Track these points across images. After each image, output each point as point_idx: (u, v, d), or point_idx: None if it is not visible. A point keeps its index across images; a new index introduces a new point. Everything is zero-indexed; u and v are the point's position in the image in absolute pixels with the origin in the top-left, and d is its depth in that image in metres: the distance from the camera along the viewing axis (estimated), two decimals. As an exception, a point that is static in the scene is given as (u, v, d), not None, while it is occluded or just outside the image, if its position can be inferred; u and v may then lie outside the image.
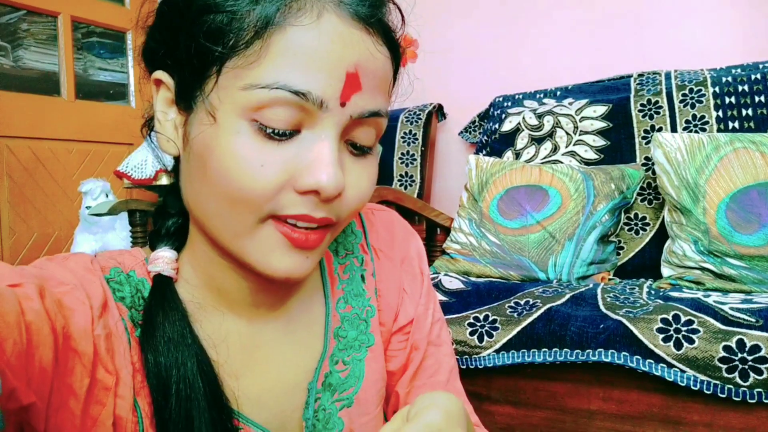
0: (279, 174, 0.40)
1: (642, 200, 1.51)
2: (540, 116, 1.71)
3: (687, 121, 1.53)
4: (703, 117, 1.51)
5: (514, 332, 1.03)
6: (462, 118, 2.08)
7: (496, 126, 1.80)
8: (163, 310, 0.45)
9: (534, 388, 1.04)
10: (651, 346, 0.92)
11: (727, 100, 1.50)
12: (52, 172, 2.18)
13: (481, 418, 0.62)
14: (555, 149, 1.66)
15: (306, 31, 0.38)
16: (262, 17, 0.38)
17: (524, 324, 1.04)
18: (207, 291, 0.49)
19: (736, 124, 1.47)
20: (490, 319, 1.08)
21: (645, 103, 1.60)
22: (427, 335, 0.58)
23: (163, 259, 0.47)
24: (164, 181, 1.90)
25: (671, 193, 1.34)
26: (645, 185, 1.51)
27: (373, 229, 0.59)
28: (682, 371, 0.90)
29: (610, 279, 1.41)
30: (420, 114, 2.02)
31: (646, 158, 1.54)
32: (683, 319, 0.94)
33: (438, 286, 1.27)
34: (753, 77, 1.49)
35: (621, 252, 1.49)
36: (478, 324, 1.08)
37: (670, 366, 0.91)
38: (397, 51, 0.45)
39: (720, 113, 1.49)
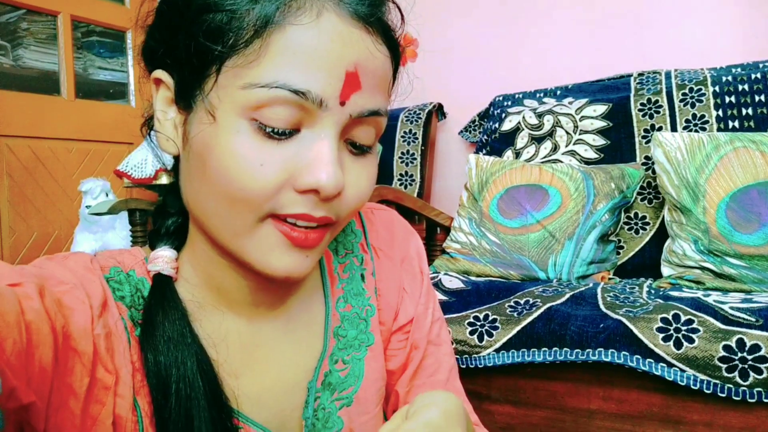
0: (278, 173, 0.40)
1: (642, 199, 1.51)
2: (540, 115, 1.71)
3: (687, 121, 1.53)
4: (703, 116, 1.51)
5: (514, 332, 1.03)
6: (462, 117, 2.08)
7: (496, 125, 1.80)
8: (162, 309, 0.45)
9: (534, 387, 1.04)
10: (651, 346, 0.92)
11: (727, 99, 1.50)
12: (52, 172, 2.18)
13: (481, 418, 0.62)
14: (555, 148, 1.66)
15: (305, 30, 0.38)
16: (261, 16, 0.38)
17: (524, 323, 1.04)
18: (207, 290, 0.49)
19: (736, 124, 1.47)
20: (490, 318, 1.08)
21: (645, 102, 1.60)
22: (426, 334, 0.59)
23: (162, 258, 0.47)
24: (164, 180, 1.90)
25: (671, 192, 1.34)
26: (645, 184, 1.51)
27: (372, 228, 0.59)
28: (682, 371, 0.90)
29: (610, 278, 1.41)
30: (420, 113, 2.02)
31: (646, 157, 1.54)
32: (683, 318, 0.94)
33: (438, 285, 1.27)
34: (753, 76, 1.49)
35: (621, 251, 1.49)
36: (478, 323, 1.08)
37: (670, 365, 0.91)
38: (396, 50, 0.45)
39: (720, 112, 1.49)
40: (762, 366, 0.85)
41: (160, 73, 0.44)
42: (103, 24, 2.35)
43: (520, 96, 1.87)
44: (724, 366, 0.87)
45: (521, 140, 1.72)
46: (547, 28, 1.97)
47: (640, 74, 1.70)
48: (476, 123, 2.01)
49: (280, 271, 0.43)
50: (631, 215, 1.51)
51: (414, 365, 0.58)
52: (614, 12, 1.87)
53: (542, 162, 1.64)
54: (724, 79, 1.53)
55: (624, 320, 0.97)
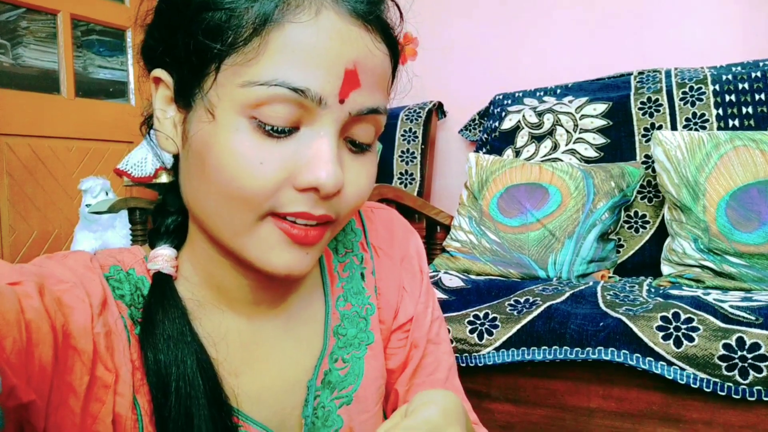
0: (278, 171, 0.40)
1: (642, 198, 1.51)
2: (540, 114, 1.71)
3: (687, 119, 1.53)
4: (703, 115, 1.51)
5: (514, 330, 1.04)
6: (462, 116, 2.08)
7: (496, 124, 1.80)
8: (162, 307, 0.45)
9: (534, 386, 1.04)
10: (651, 344, 0.92)
11: (727, 98, 1.50)
12: (52, 170, 2.18)
13: (481, 416, 0.63)
14: (555, 147, 1.65)
15: (304, 28, 0.38)
16: (260, 14, 0.38)
17: (524, 322, 1.04)
18: (206, 289, 0.49)
19: (736, 122, 1.47)
20: (490, 317, 1.08)
21: (645, 101, 1.60)
22: (426, 333, 0.59)
23: (162, 257, 0.47)
24: (164, 179, 1.90)
25: (671, 191, 1.34)
26: (645, 183, 1.51)
27: (372, 227, 0.59)
28: (682, 369, 0.90)
29: (610, 277, 1.41)
30: (420, 112, 2.02)
31: (646, 156, 1.54)
32: (683, 317, 0.94)
33: (438, 284, 1.27)
34: (753, 75, 1.49)
35: (621, 250, 1.49)
36: (478, 322, 1.08)
37: (670, 364, 0.91)
38: (395, 48, 0.45)
39: (720, 111, 1.49)
40: (762, 364, 0.85)
41: (159, 72, 0.44)
42: (102, 23, 2.35)
43: (520, 95, 1.87)
44: (723, 364, 0.87)
45: (521, 139, 1.72)
46: (547, 28, 1.97)
47: (641, 73, 1.70)
48: (476, 122, 2.01)
49: (281, 269, 0.43)
50: (631, 214, 1.51)
51: (413, 364, 0.58)
52: (614, 12, 1.87)
53: (542, 160, 1.64)
54: (724, 77, 1.53)
55: (624, 319, 0.97)
